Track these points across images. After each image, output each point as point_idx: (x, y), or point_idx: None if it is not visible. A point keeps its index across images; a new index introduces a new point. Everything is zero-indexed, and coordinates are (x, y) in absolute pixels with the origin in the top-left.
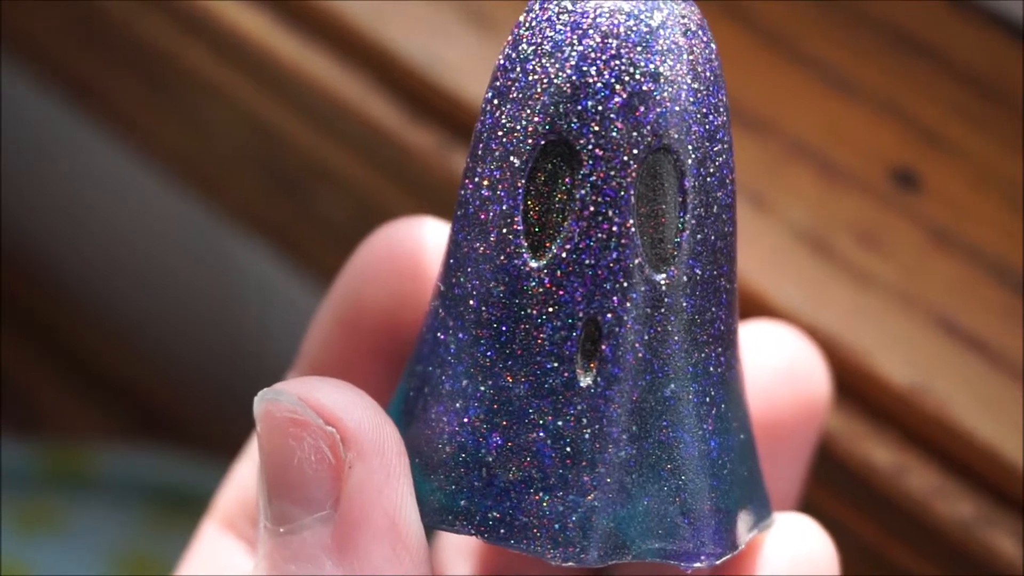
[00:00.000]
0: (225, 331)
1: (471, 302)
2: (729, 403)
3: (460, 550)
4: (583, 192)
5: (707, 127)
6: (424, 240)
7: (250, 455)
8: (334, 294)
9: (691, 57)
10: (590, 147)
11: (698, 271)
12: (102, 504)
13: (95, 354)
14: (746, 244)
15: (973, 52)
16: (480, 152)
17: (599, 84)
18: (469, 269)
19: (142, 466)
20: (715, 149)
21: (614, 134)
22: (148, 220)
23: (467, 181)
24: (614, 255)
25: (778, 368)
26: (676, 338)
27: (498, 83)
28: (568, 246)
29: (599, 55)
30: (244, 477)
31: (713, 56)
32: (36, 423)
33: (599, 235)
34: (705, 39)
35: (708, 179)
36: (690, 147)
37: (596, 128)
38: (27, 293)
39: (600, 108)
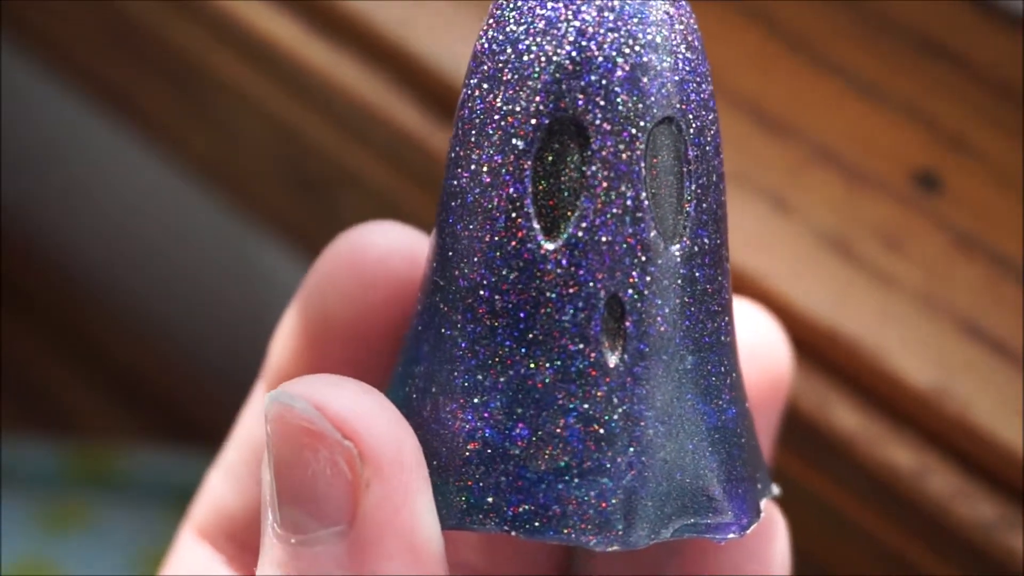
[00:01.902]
0: (249, 334)
1: (482, 292)
2: (738, 371)
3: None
4: (594, 168)
5: (702, 96)
6: (387, 246)
7: (223, 463)
8: (298, 303)
9: (681, 27)
10: (597, 122)
11: (706, 240)
12: (128, 504)
13: (121, 357)
14: (769, 246)
15: (996, 56)
16: (473, 139)
17: (600, 58)
18: (475, 259)
19: (167, 467)
20: (709, 118)
21: (620, 107)
22: (175, 223)
23: (459, 171)
24: (630, 229)
25: (745, 346)
26: (692, 309)
27: (485, 67)
28: (584, 224)
29: (597, 29)
30: (216, 488)
31: (695, 25)
32: (62, 424)
33: (614, 210)
34: (687, 9)
35: (707, 148)
36: (691, 116)
37: (602, 103)
38: (55, 296)
39: (604, 82)
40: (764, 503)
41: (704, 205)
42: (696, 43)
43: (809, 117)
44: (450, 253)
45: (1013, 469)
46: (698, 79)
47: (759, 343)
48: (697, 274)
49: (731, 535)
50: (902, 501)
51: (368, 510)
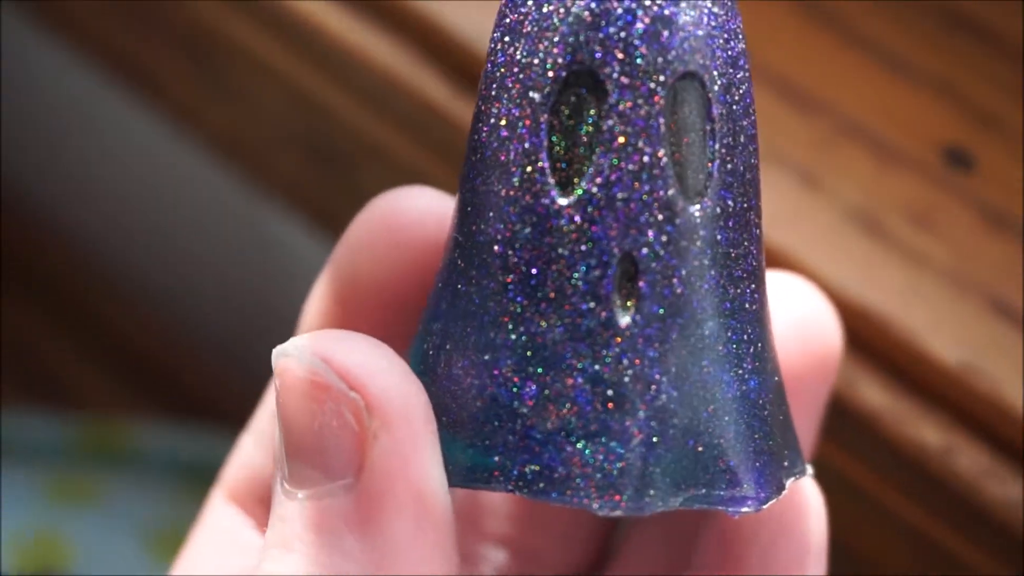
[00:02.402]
0: (263, 311)
1: (496, 247)
2: (765, 342)
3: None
4: (611, 123)
5: (730, 52)
6: (419, 210)
7: (255, 428)
8: (331, 267)
9: None
10: (615, 75)
11: (730, 203)
12: (137, 479)
13: (129, 333)
14: (797, 222)
15: None
16: (494, 92)
17: (620, 10)
18: (491, 214)
19: (176, 442)
20: (738, 76)
21: (639, 60)
22: (187, 197)
23: (480, 125)
24: (647, 187)
25: (790, 320)
26: (712, 273)
27: (508, 20)
28: (599, 180)
29: None
30: (249, 454)
31: None
32: (67, 401)
33: (630, 166)
34: None
35: (734, 107)
36: (715, 73)
37: (620, 56)
38: (60, 272)
39: (623, 35)
40: (790, 482)
41: (729, 166)
42: None
43: (839, 92)
44: (469, 208)
45: None
46: (726, 35)
47: (806, 317)
48: (719, 237)
49: (745, 509)
50: (929, 480)
51: (375, 462)
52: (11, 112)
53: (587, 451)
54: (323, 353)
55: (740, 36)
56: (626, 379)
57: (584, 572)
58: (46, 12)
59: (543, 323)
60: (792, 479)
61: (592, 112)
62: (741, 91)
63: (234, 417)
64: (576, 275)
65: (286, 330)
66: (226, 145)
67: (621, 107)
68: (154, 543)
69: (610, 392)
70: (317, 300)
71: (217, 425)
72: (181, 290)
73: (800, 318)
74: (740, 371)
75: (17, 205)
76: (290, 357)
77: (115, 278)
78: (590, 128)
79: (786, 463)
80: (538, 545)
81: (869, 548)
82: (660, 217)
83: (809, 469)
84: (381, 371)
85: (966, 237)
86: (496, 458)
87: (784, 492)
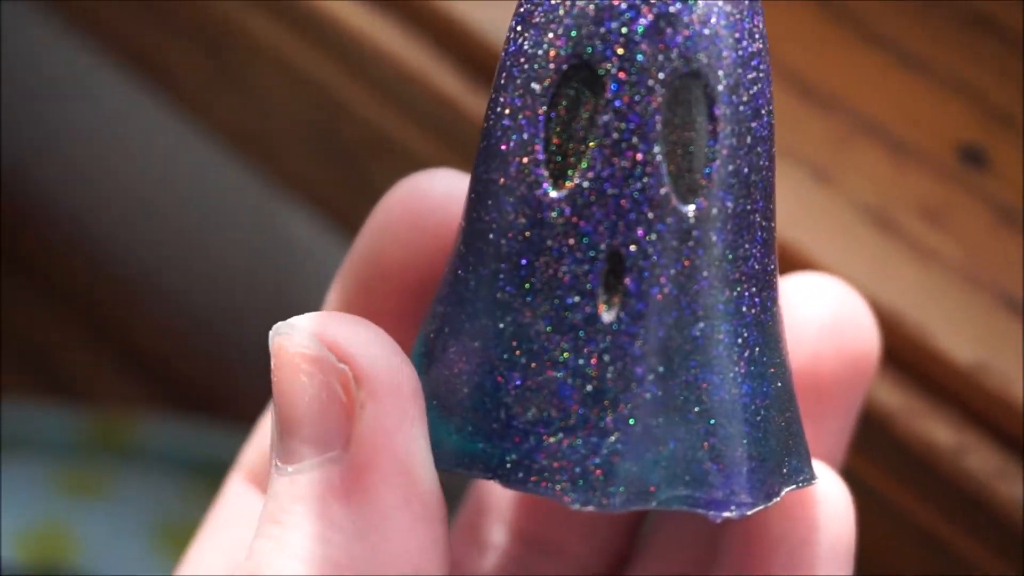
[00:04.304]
0: (272, 305)
1: (490, 235)
2: (765, 347)
3: (497, 518)
4: (606, 118)
5: (740, 53)
6: (444, 193)
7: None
8: (355, 252)
9: None
10: (614, 71)
11: (729, 204)
12: (145, 473)
13: (141, 328)
14: (811, 219)
15: None
16: (503, 82)
17: (624, 5)
18: (490, 202)
19: (185, 437)
20: (749, 77)
21: (639, 57)
22: (198, 190)
23: (489, 113)
24: (638, 184)
25: (823, 321)
26: (705, 274)
27: (522, 9)
28: (590, 175)
29: None
30: (268, 434)
31: None
32: (77, 396)
33: (623, 163)
34: None
35: (741, 108)
36: (721, 73)
37: (620, 51)
38: (71, 264)
39: (625, 30)
40: (788, 490)
41: (731, 167)
42: None
43: (854, 90)
44: (473, 195)
45: None
46: (737, 34)
47: (841, 321)
48: (715, 238)
49: (728, 514)
50: (940, 479)
51: (362, 432)
52: (24, 104)
53: (565, 444)
54: (315, 328)
55: (756, 36)
56: (608, 375)
57: (609, 570)
58: (60, 4)
59: (529, 314)
60: (793, 487)
61: (589, 106)
62: (752, 92)
63: (242, 411)
64: (563, 268)
65: None
66: (239, 138)
67: (617, 103)
68: (161, 537)
69: (591, 387)
70: (341, 283)
71: (225, 419)
72: (191, 283)
73: (836, 320)
74: (731, 374)
75: (27, 196)
76: (283, 335)
77: (124, 271)
78: (586, 122)
79: (785, 470)
80: (561, 539)
81: (879, 547)
82: (651, 215)
83: (831, 475)
84: (370, 343)
85: (979, 235)
86: (480, 445)
87: (776, 499)
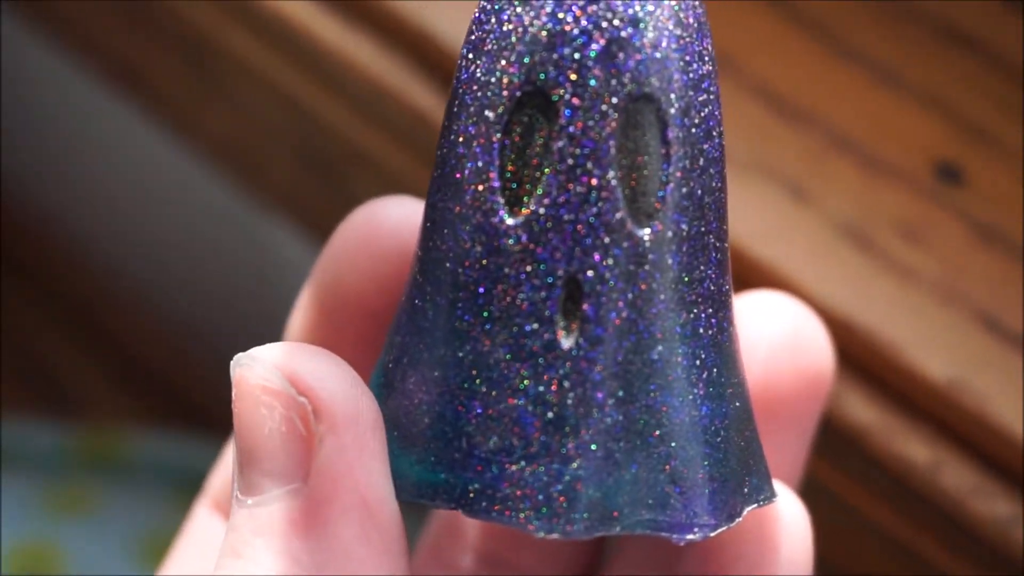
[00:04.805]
0: (256, 316)
1: (447, 264)
2: (722, 367)
3: (462, 540)
4: (561, 144)
5: (691, 75)
6: (400, 220)
7: None
8: (314, 279)
9: (672, 2)
10: (567, 97)
11: (684, 227)
12: (133, 488)
13: (124, 337)
14: (786, 236)
15: (1020, 47)
16: (456, 109)
17: (576, 31)
18: (445, 231)
19: (173, 452)
20: (700, 99)
21: (592, 83)
22: (184, 203)
23: (443, 140)
24: (594, 210)
25: (779, 339)
26: (662, 297)
27: (473, 36)
28: (546, 201)
29: (576, 1)
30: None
31: (697, 2)
32: (68, 408)
33: (578, 189)
34: None
35: (693, 130)
36: (672, 96)
37: (573, 77)
38: (59, 277)
39: (577, 56)
40: (750, 508)
41: (685, 190)
42: (690, 19)
43: (830, 105)
44: (428, 224)
45: None
46: (688, 57)
47: (795, 337)
48: (671, 261)
49: (691, 536)
50: (916, 496)
51: (321, 465)
52: (10, 117)
53: (527, 472)
54: (275, 360)
55: (706, 58)
56: (568, 401)
57: None
58: (45, 17)
59: (488, 342)
60: (754, 506)
61: (543, 133)
62: (703, 114)
63: (228, 425)
64: (521, 296)
65: (281, 335)
66: (221, 151)
67: (571, 129)
68: (147, 553)
69: (551, 414)
70: (302, 311)
71: (212, 433)
72: (177, 295)
73: (789, 338)
74: (691, 396)
75: (17, 210)
76: (244, 366)
77: (113, 282)
78: (540, 148)
79: (746, 490)
80: (526, 561)
81: (855, 563)
82: (607, 240)
83: (788, 493)
84: (330, 376)
85: (956, 252)
86: (442, 475)
87: (739, 519)
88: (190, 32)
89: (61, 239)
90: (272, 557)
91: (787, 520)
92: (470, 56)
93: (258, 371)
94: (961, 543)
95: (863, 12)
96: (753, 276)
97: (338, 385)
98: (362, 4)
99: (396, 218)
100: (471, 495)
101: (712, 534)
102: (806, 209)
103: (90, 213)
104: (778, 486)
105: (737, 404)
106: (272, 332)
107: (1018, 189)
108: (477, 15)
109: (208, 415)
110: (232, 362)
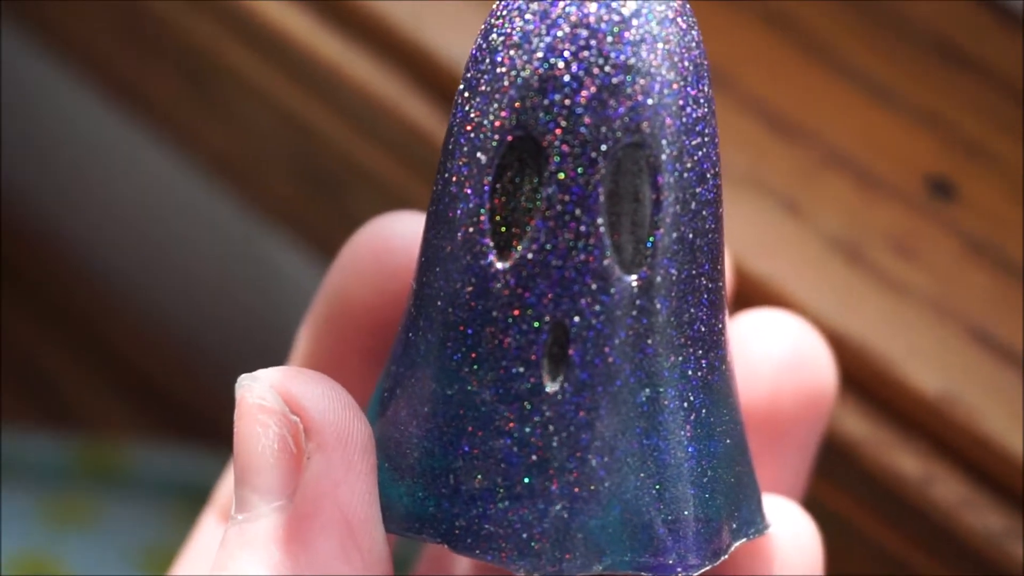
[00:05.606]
0: (256, 329)
1: (439, 303)
2: (712, 407)
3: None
4: (550, 190)
5: (684, 120)
6: (408, 235)
7: None
8: (322, 293)
9: (666, 47)
10: (557, 143)
11: (674, 271)
12: (133, 500)
13: (125, 350)
14: (779, 250)
15: (1013, 62)
16: (450, 147)
17: (567, 77)
18: (438, 269)
19: (173, 463)
20: (693, 143)
21: (582, 129)
22: (183, 218)
23: (439, 176)
24: (582, 256)
25: (781, 357)
26: (650, 341)
27: (469, 74)
28: (534, 246)
29: (568, 46)
30: None
31: (693, 45)
32: (69, 419)
33: (566, 235)
34: (683, 27)
35: (685, 175)
36: (664, 142)
37: (564, 123)
38: (59, 290)
39: (568, 102)
40: (739, 543)
41: (675, 234)
42: (685, 63)
43: (822, 121)
44: (423, 259)
45: (1020, 479)
46: (681, 102)
47: (798, 357)
48: (659, 305)
49: None
50: (908, 509)
51: (307, 482)
52: (12, 131)
53: (511, 513)
54: (272, 381)
55: (701, 100)
56: (553, 444)
57: None
58: (47, 34)
59: (476, 383)
60: (743, 540)
61: (534, 178)
62: (696, 158)
63: (228, 437)
64: (508, 339)
65: (280, 349)
66: (221, 166)
67: (561, 175)
68: (147, 564)
69: (536, 456)
70: (310, 324)
71: (212, 444)
72: (176, 307)
73: (793, 356)
74: (677, 438)
75: (18, 223)
76: (244, 387)
77: (113, 295)
78: (530, 194)
79: (735, 525)
80: None
81: (846, 574)
82: (594, 286)
83: (797, 511)
84: (323, 397)
85: (947, 267)
86: (431, 509)
87: (724, 556)
88: (190, 48)
89: (62, 252)
90: (255, 570)
91: (797, 536)
92: (466, 95)
93: (256, 391)
94: (953, 556)
95: (857, 28)
96: (746, 290)
97: (329, 405)
98: (360, 21)
99: (404, 233)
100: (457, 531)
101: (696, 574)
102: (799, 224)
103: (91, 227)
104: (789, 505)
105: (728, 441)
106: (271, 344)
107: (1010, 204)
108: (474, 52)
109: (208, 427)
110: (236, 383)
